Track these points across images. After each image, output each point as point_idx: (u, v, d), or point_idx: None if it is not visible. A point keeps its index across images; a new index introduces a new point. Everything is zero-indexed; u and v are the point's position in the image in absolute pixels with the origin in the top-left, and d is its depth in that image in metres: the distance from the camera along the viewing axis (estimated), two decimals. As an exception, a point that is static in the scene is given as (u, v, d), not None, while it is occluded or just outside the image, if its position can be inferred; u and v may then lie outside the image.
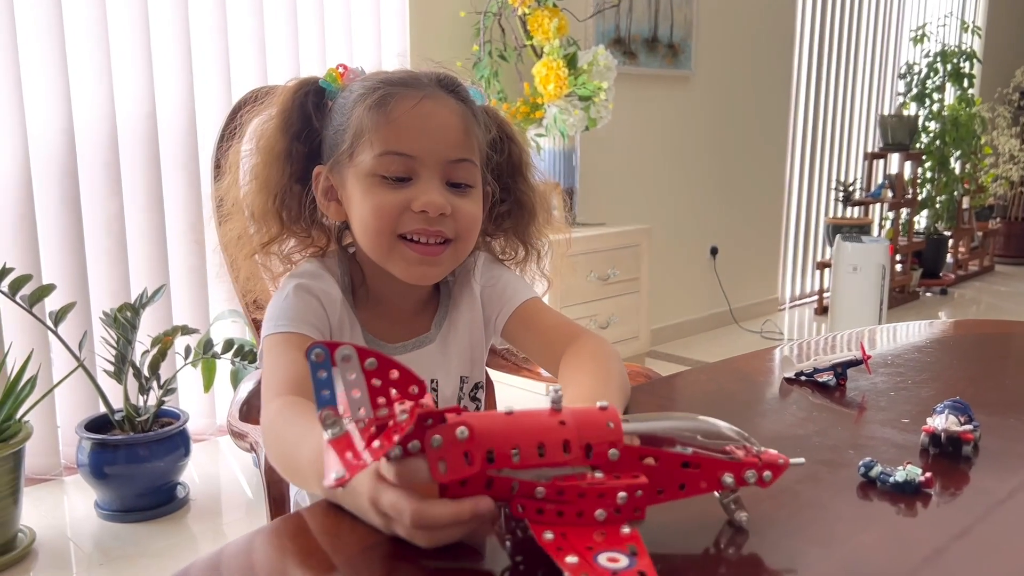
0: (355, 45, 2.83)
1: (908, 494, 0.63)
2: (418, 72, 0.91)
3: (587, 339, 0.92)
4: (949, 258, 5.72)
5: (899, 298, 4.93)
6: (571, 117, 3.03)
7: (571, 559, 0.47)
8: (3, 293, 1.98)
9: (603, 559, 0.47)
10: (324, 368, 0.52)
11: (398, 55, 0.91)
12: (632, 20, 3.69)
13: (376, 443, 0.50)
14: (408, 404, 0.52)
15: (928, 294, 5.32)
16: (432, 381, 0.95)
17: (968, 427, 0.69)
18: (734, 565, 0.53)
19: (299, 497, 1.01)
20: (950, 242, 5.65)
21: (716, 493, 0.57)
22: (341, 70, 0.93)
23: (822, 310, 4.73)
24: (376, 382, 0.52)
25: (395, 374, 0.53)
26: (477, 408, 1.00)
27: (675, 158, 4.05)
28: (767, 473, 0.56)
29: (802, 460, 0.58)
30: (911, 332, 1.21)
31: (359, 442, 0.51)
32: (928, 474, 0.63)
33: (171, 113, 2.46)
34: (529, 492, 0.51)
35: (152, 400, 2.20)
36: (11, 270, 1.98)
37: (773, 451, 0.57)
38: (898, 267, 5.08)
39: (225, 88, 2.54)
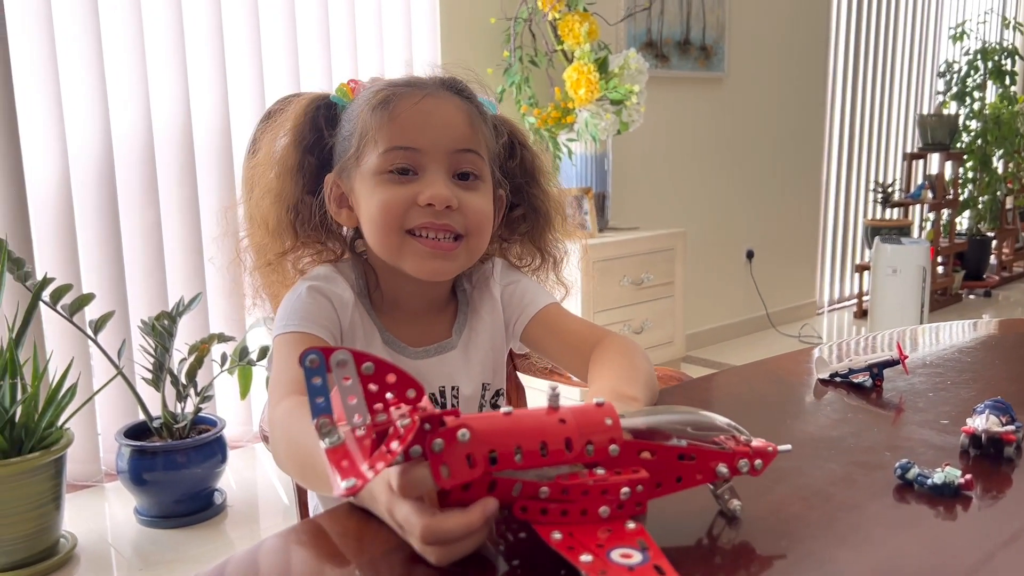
0: (386, 52, 2.85)
1: (947, 497, 0.61)
2: (423, 76, 0.92)
3: (613, 339, 0.91)
4: (993, 259, 5.59)
5: (941, 301, 4.84)
6: (602, 121, 3.02)
7: (585, 557, 0.46)
8: (45, 303, 2.02)
9: (616, 555, 0.47)
10: (319, 374, 0.50)
11: (433, 65, 0.90)
12: (664, 23, 3.67)
13: (383, 447, 0.50)
14: (406, 409, 0.51)
15: (971, 296, 5.21)
16: (453, 388, 0.95)
17: (1010, 428, 0.67)
18: (729, 553, 0.52)
19: (319, 500, 1.01)
20: (993, 243, 5.53)
21: (710, 484, 0.57)
22: (352, 85, 0.94)
23: (861, 313, 4.66)
24: (372, 387, 0.51)
25: (392, 378, 0.51)
26: None
27: (709, 161, 4.02)
28: (758, 461, 0.57)
29: (789, 447, 0.59)
30: (952, 332, 1.18)
31: (356, 451, 0.50)
32: (968, 476, 0.61)
33: (206, 123, 2.50)
34: (533, 493, 0.50)
35: (189, 407, 2.23)
36: (52, 280, 2.01)
37: (762, 440, 0.58)
38: (940, 269, 4.99)
39: (259, 98, 2.57)
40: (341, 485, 0.47)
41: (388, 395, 0.51)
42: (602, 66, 3.07)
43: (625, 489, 0.51)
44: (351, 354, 0.50)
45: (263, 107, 2.55)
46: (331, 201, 0.93)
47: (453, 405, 0.94)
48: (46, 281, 2.00)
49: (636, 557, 0.46)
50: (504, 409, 0.52)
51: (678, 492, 0.55)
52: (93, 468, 2.42)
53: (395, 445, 0.49)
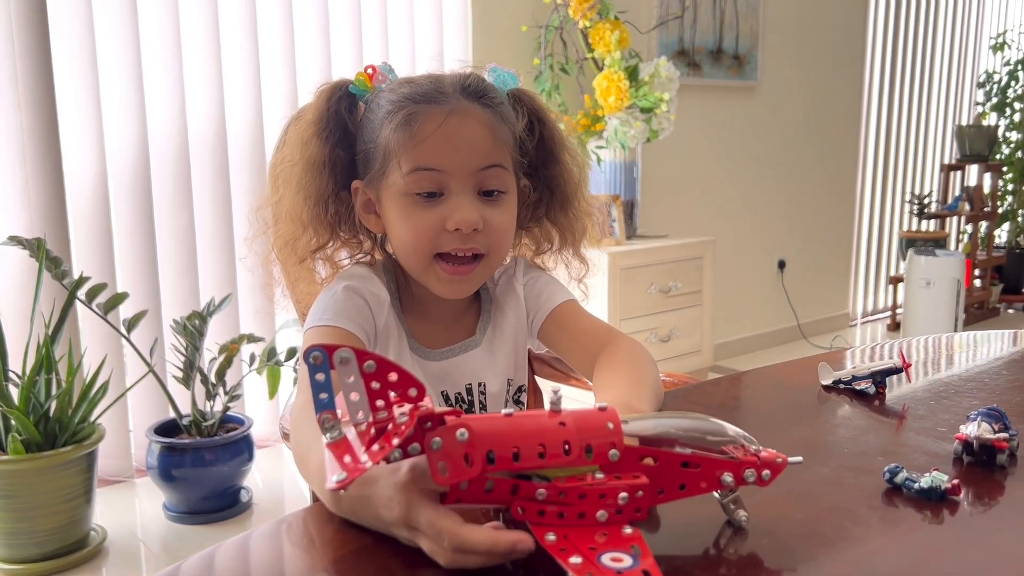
0: (418, 60, 2.89)
1: (934, 501, 0.61)
2: (443, 78, 0.90)
3: (621, 341, 0.92)
4: (1033, 273, 5.48)
5: (978, 314, 4.76)
6: (632, 129, 3.03)
7: (575, 560, 0.47)
8: (80, 301, 2.08)
9: (607, 559, 0.47)
10: (322, 371, 0.52)
11: (460, 61, 0.90)
12: (696, 32, 3.67)
13: (375, 446, 0.51)
14: (407, 407, 0.52)
15: (1010, 311, 5.11)
16: (480, 385, 0.97)
17: (1003, 435, 0.67)
18: (735, 564, 0.53)
19: None
20: (1034, 257, 5.42)
21: (715, 493, 0.56)
22: (369, 71, 0.93)
23: (895, 326, 4.60)
24: (375, 385, 0.52)
25: (394, 376, 0.53)
26: (519, 410, 1.00)
27: (740, 169, 4.00)
28: (766, 472, 0.56)
29: (799, 459, 0.58)
30: (964, 343, 1.17)
31: (358, 445, 0.51)
32: (955, 481, 0.62)
33: (239, 127, 2.55)
34: (530, 494, 0.51)
35: (218, 406, 2.27)
36: (88, 279, 2.07)
37: (772, 450, 0.57)
38: (977, 282, 4.90)
39: (291, 102, 2.62)
40: (332, 479, 0.49)
41: (392, 394, 0.53)
42: (632, 74, 3.08)
43: (623, 494, 0.51)
44: (353, 352, 0.52)
45: (296, 107, 2.60)
46: (359, 207, 0.94)
47: (480, 402, 0.96)
48: (82, 280, 2.06)
49: (626, 562, 0.47)
50: (505, 411, 0.53)
51: (683, 500, 0.55)
52: (124, 464, 2.47)
53: (395, 442, 0.50)
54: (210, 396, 2.25)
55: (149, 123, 2.39)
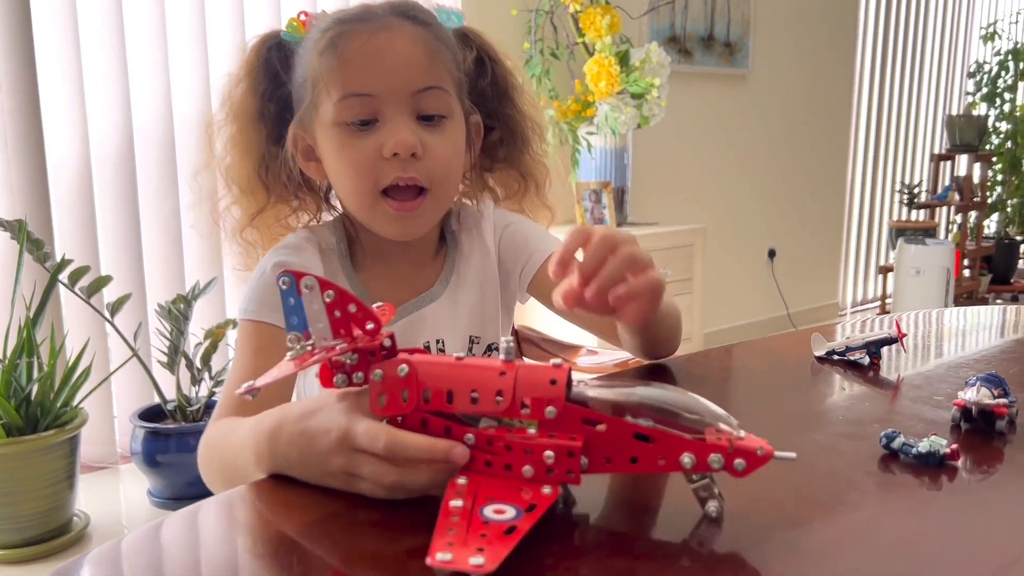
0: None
1: (932, 466, 0.60)
2: (374, 3, 0.84)
3: None
4: (1021, 264, 5.49)
5: (967, 304, 4.77)
6: (623, 115, 3.01)
7: (455, 503, 0.46)
8: (63, 284, 2.04)
9: (489, 511, 0.46)
10: (292, 296, 0.54)
11: None
12: (688, 18, 3.65)
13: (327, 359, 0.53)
14: (361, 336, 0.55)
15: (998, 301, 5.13)
16: (439, 342, 0.90)
17: (1002, 400, 0.66)
18: (721, 529, 0.51)
19: None
20: (1022, 247, 5.43)
21: (691, 479, 0.51)
22: (303, 18, 0.87)
23: (884, 315, 4.60)
24: (337, 314, 0.54)
25: (353, 308, 0.54)
26: None
27: (731, 157, 3.99)
28: (739, 461, 0.48)
29: (793, 455, 0.49)
30: (959, 315, 1.16)
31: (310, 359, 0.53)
32: (954, 446, 0.60)
33: (226, 111, 2.52)
34: (459, 438, 0.51)
35: (203, 391, 2.25)
36: (70, 262, 2.04)
37: (758, 440, 0.49)
38: (966, 272, 4.91)
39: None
40: (243, 385, 0.52)
41: (356, 331, 0.55)
42: (623, 59, 3.05)
43: (549, 452, 0.49)
44: (317, 280, 0.54)
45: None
46: (298, 154, 0.89)
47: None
48: (64, 263, 2.03)
49: (508, 514, 0.46)
50: (459, 354, 0.54)
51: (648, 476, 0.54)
52: (109, 450, 2.44)
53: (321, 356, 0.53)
54: (195, 381, 2.23)
55: (134, 105, 2.36)
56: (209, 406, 2.26)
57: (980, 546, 0.49)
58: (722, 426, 0.50)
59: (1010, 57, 5.12)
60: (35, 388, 1.95)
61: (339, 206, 0.96)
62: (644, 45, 3.18)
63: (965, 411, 0.67)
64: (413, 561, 0.45)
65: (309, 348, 0.54)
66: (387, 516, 0.52)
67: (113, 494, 2.30)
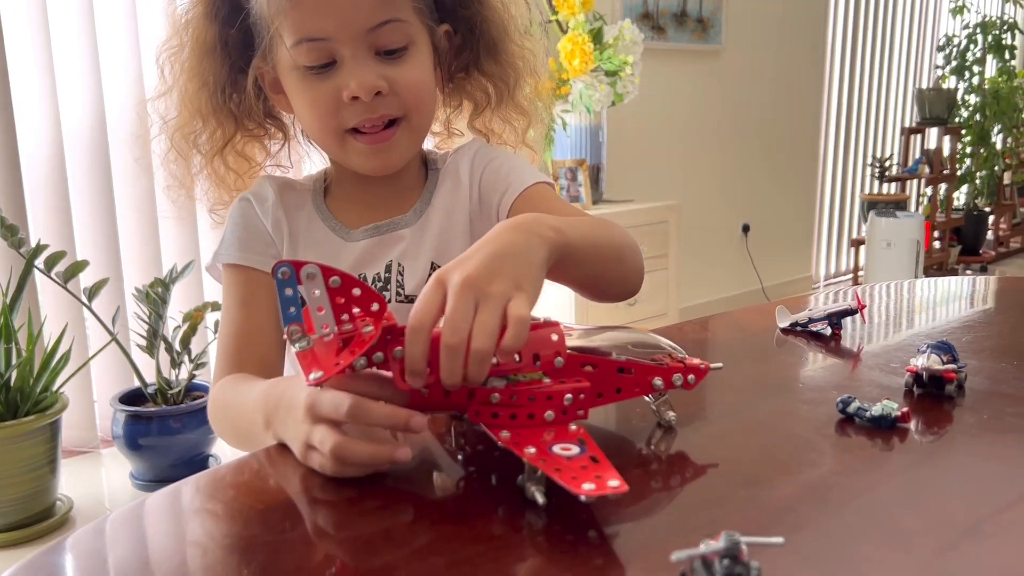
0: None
1: (885, 429, 0.63)
2: None
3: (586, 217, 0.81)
4: (989, 235, 5.59)
5: (937, 275, 4.85)
6: (597, 92, 3.02)
7: (530, 450, 0.51)
8: (39, 269, 2.04)
9: (557, 448, 0.51)
10: (290, 286, 0.55)
11: None
12: (660, -5, 3.66)
13: (348, 350, 0.54)
14: (371, 321, 0.56)
15: (967, 271, 5.22)
16: (400, 266, 0.88)
17: (951, 366, 0.69)
18: (686, 469, 0.54)
19: None
20: (990, 219, 5.53)
21: (647, 398, 0.62)
22: None
23: (856, 287, 4.67)
24: (340, 300, 0.55)
25: (357, 292, 0.56)
26: None
27: (705, 134, 4.02)
28: (691, 376, 0.61)
29: (720, 365, 0.63)
30: (923, 286, 1.20)
31: (324, 354, 0.55)
32: (905, 408, 0.63)
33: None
34: (485, 399, 0.55)
35: (183, 374, 2.26)
36: (46, 247, 2.04)
37: (697, 359, 0.62)
38: (936, 244, 4.99)
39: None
40: (309, 377, 0.53)
41: (356, 309, 0.56)
42: (597, 37, 3.07)
43: (568, 396, 0.55)
44: (319, 268, 0.55)
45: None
46: (267, 87, 0.86)
47: (398, 283, 0.87)
48: (40, 248, 2.03)
49: (574, 450, 0.51)
50: None
51: (620, 403, 0.61)
52: (90, 434, 2.45)
53: (360, 351, 0.54)
54: (175, 364, 2.24)
55: (106, 87, 2.35)
56: (190, 389, 2.27)
57: (928, 501, 0.52)
58: (671, 352, 0.62)
59: (978, 30, 5.18)
60: (14, 374, 1.95)
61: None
62: (617, 22, 3.19)
63: (917, 377, 0.70)
64: (394, 535, 0.48)
65: (321, 337, 0.55)
66: (362, 493, 0.55)
67: (95, 478, 2.31)
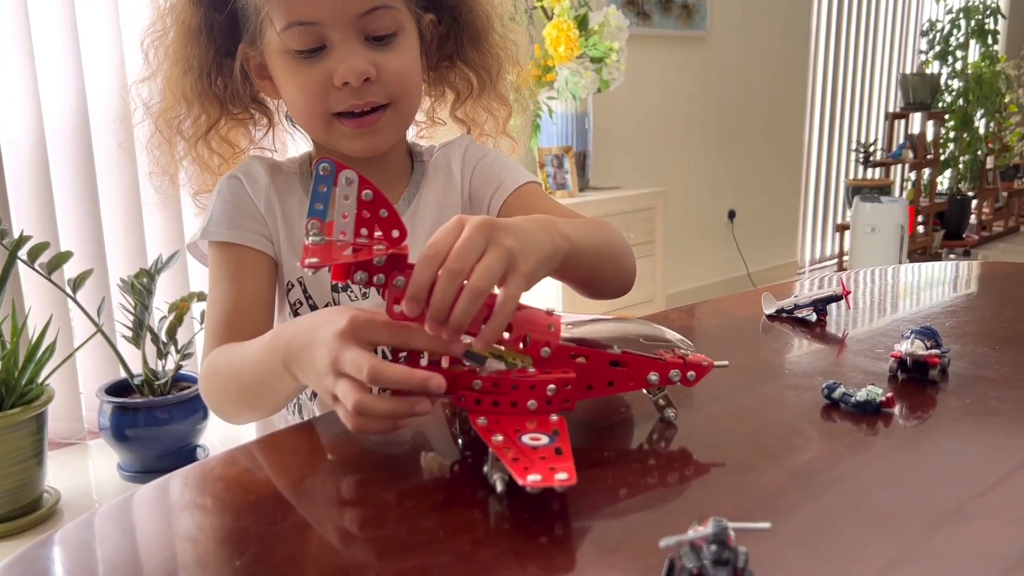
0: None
1: (870, 414, 0.64)
2: None
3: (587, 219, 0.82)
4: (973, 219, 5.63)
5: (921, 259, 4.88)
6: (583, 79, 3.02)
7: (497, 437, 0.52)
8: (22, 261, 2.03)
9: (526, 438, 0.52)
10: (325, 183, 0.56)
11: None
12: (645, -19, 3.66)
13: (353, 257, 0.55)
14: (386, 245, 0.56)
15: (951, 256, 5.26)
16: None
17: (935, 351, 0.70)
18: (670, 462, 0.55)
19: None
20: (974, 203, 5.57)
21: (646, 392, 0.61)
22: None
23: (841, 272, 4.70)
24: (366, 214, 0.56)
25: (384, 213, 0.57)
26: None
27: (691, 120, 4.02)
28: (691, 373, 0.60)
29: (726, 363, 0.63)
30: (906, 272, 1.21)
31: (332, 253, 0.55)
32: (889, 394, 0.64)
33: (182, 82, 2.49)
34: (467, 384, 0.56)
35: (170, 364, 2.25)
36: (29, 238, 2.02)
37: (700, 355, 0.61)
38: (920, 228, 5.02)
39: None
40: (306, 261, 0.53)
41: (378, 232, 0.57)
42: (582, 23, 3.06)
43: (551, 386, 0.55)
44: (358, 176, 0.56)
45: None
46: (252, 73, 0.87)
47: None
48: (23, 239, 2.01)
49: (543, 440, 0.52)
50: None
51: (618, 396, 0.61)
52: (76, 426, 2.44)
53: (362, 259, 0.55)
54: (161, 355, 2.23)
55: (87, 76, 2.32)
56: (177, 379, 2.27)
57: (912, 484, 0.53)
58: (677, 347, 0.62)
59: (961, 15, 5.20)
60: (-1, 366, 1.94)
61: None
62: (603, 8, 3.18)
63: (901, 362, 0.71)
64: (390, 513, 0.48)
65: (334, 239, 0.56)
66: (350, 481, 0.55)
67: (83, 470, 2.31)
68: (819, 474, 0.54)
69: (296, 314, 0.88)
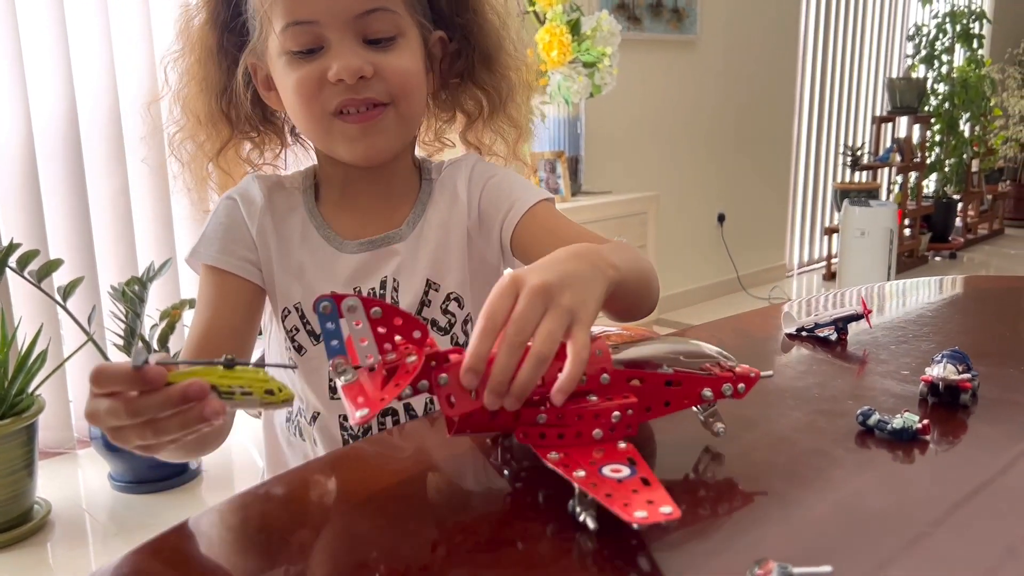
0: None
1: (905, 441, 0.63)
2: None
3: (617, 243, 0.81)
4: (958, 222, 5.68)
5: (908, 262, 4.91)
6: (575, 84, 3.01)
7: (579, 473, 0.50)
8: (11, 268, 1.99)
9: (607, 470, 0.51)
10: (331, 320, 0.55)
11: None
12: (636, -15, 3.65)
13: (393, 382, 0.54)
14: (414, 349, 0.55)
15: (937, 258, 5.30)
16: (395, 281, 0.87)
17: (966, 376, 0.69)
18: (713, 486, 0.54)
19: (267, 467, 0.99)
20: (959, 205, 5.61)
21: (695, 408, 0.61)
22: None
23: (830, 276, 4.72)
24: (382, 329, 0.55)
25: (399, 321, 0.56)
26: (450, 323, 0.89)
27: (681, 124, 4.03)
28: (741, 385, 0.60)
29: (771, 373, 0.64)
30: (915, 288, 1.21)
31: (370, 386, 0.54)
32: (925, 421, 0.63)
33: (173, 86, 2.46)
34: (531, 419, 0.54)
35: (162, 373, 2.22)
36: (18, 246, 1.99)
37: (745, 366, 0.62)
38: (907, 231, 5.06)
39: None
40: (356, 415, 0.52)
41: (397, 337, 0.56)
42: (574, 28, 3.05)
43: (616, 413, 0.55)
44: (360, 300, 0.55)
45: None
46: (260, 85, 0.87)
47: (393, 299, 0.86)
48: (12, 247, 1.98)
49: (625, 471, 0.51)
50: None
51: (667, 418, 0.59)
52: (66, 435, 2.41)
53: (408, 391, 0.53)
54: (153, 363, 2.20)
55: (77, 83, 2.29)
56: (169, 388, 2.24)
57: (961, 520, 0.52)
58: (721, 360, 0.61)
59: (947, 20, 5.24)
60: (-11, 377, 1.91)
61: (307, 142, 0.94)
62: (594, 12, 3.18)
63: (932, 386, 0.70)
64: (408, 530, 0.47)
65: (362, 367, 0.55)
66: (405, 511, 0.54)
67: (73, 480, 2.27)
68: (863, 506, 0.53)
69: (292, 340, 0.87)
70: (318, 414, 0.88)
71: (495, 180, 0.91)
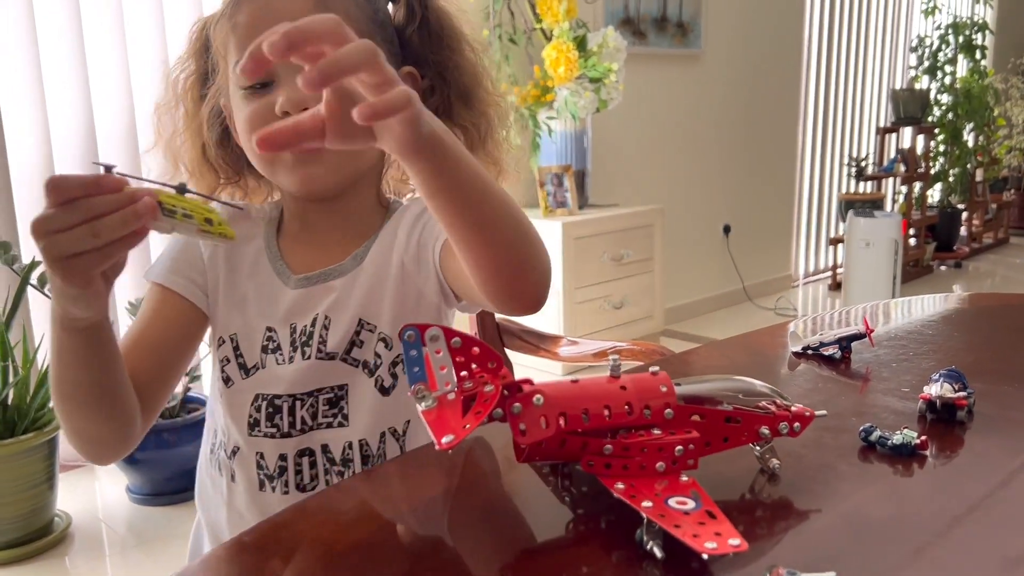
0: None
1: (905, 456, 0.67)
2: None
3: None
4: (963, 231, 5.71)
5: (913, 272, 4.94)
6: (582, 99, 3.06)
7: (647, 504, 0.53)
8: (33, 286, 2.04)
9: (673, 502, 0.54)
10: (415, 348, 0.59)
11: None
12: (641, 0, 3.71)
13: (472, 409, 0.57)
14: (489, 378, 0.59)
15: (942, 268, 5.32)
16: (326, 319, 0.85)
17: (962, 394, 0.73)
18: (768, 507, 0.57)
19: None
20: (964, 215, 5.64)
21: (752, 445, 0.64)
22: None
23: (836, 286, 4.75)
24: (460, 358, 0.59)
25: (476, 351, 0.59)
26: (376, 364, 0.86)
27: (687, 137, 4.07)
28: (796, 424, 0.64)
29: (824, 412, 0.66)
30: (918, 306, 1.24)
31: (450, 413, 0.57)
32: (923, 437, 0.67)
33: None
34: (598, 449, 0.57)
35: (179, 387, 2.26)
36: (39, 263, 2.03)
37: (800, 405, 0.65)
38: (912, 241, 5.09)
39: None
40: (442, 440, 0.54)
41: (473, 365, 0.59)
42: (581, 44, 3.10)
43: (679, 447, 0.57)
44: (442, 331, 0.59)
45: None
46: (232, 126, 0.87)
47: (320, 338, 0.85)
48: (34, 264, 2.02)
49: (690, 504, 0.54)
50: (570, 378, 0.59)
51: (725, 451, 0.62)
52: (84, 448, 2.45)
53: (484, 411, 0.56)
54: (171, 377, 2.24)
55: (95, 101, 2.34)
56: (185, 401, 2.28)
57: (962, 531, 0.56)
58: (775, 399, 0.64)
59: (950, 31, 5.29)
60: (11, 392, 1.95)
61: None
62: (600, 28, 3.23)
63: (930, 404, 0.74)
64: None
65: (445, 395, 0.57)
66: (469, 535, 0.57)
67: (92, 493, 2.32)
68: (868, 519, 0.57)
69: (222, 370, 0.87)
70: (238, 448, 0.87)
71: (422, 217, 0.88)
